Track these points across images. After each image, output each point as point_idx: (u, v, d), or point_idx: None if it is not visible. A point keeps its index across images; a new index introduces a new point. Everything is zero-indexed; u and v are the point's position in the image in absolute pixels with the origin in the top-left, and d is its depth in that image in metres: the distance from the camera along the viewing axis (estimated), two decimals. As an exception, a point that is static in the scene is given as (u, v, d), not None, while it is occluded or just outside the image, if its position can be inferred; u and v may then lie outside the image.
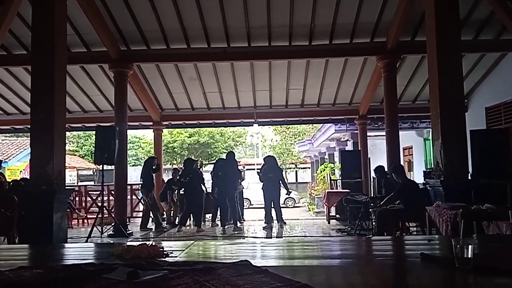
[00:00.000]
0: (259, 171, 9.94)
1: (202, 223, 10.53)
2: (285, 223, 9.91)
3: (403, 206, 6.55)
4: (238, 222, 9.46)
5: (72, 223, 10.83)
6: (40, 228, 5.28)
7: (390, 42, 8.48)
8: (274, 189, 9.55)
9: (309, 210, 16.01)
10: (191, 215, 9.56)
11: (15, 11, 6.85)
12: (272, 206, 9.62)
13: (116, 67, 8.99)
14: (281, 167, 10.72)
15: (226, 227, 9.15)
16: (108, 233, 8.29)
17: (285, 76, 10.47)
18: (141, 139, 30.40)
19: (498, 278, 1.46)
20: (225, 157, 9.90)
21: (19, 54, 8.87)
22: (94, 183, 19.26)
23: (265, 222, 9.54)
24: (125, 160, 9.15)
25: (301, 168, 30.74)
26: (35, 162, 5.52)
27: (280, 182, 9.67)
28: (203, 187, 9.54)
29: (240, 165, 10.88)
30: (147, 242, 1.99)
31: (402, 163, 11.73)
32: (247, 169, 11.15)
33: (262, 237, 8.44)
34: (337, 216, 10.63)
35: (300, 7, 7.93)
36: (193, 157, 24.20)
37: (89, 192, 12.05)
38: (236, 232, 8.90)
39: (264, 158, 10.45)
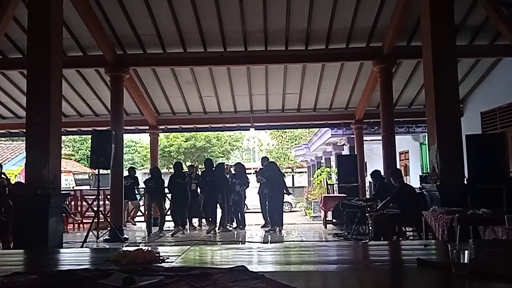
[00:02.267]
0: (262, 177, 9.86)
1: (199, 227, 10.57)
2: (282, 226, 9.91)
3: (400, 210, 6.56)
4: (227, 225, 9.84)
5: (68, 227, 10.77)
6: (35, 233, 5.25)
7: (386, 47, 8.52)
8: (279, 194, 9.59)
9: (306, 215, 16.01)
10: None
11: (11, 15, 6.83)
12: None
13: (112, 71, 8.97)
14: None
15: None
16: (104, 238, 8.25)
17: (282, 80, 10.49)
18: (137, 143, 30.33)
19: (494, 283, 1.46)
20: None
21: (15, 58, 8.84)
22: (90, 187, 19.19)
23: (269, 225, 9.57)
24: (121, 165, 9.12)
25: (298, 173, 30.76)
26: (30, 166, 5.50)
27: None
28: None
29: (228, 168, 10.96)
30: (143, 248, 1.98)
31: (398, 167, 11.75)
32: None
33: (259, 242, 8.43)
34: (334, 220, 10.63)
35: (297, 12, 7.97)
36: (190, 162, 24.24)
37: (85, 197, 12.00)
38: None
39: (265, 163, 10.33)
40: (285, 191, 9.75)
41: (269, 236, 9.06)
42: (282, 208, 9.90)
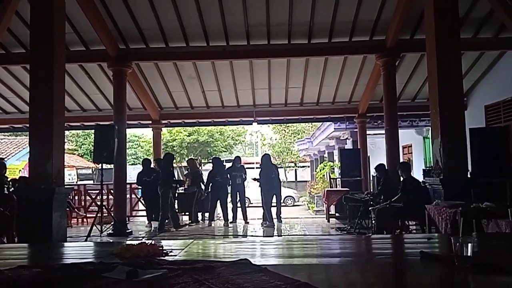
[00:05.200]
0: (258, 177, 9.89)
1: (202, 221, 10.60)
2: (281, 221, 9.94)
3: (403, 204, 6.57)
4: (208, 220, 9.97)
5: (72, 222, 10.83)
6: (40, 227, 5.28)
7: (390, 40, 8.48)
8: (276, 187, 9.59)
9: (309, 209, 16.03)
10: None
11: (14, 10, 6.83)
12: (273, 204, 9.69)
13: (114, 65, 8.97)
14: (277, 164, 10.88)
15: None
16: (108, 232, 8.29)
17: (284, 74, 10.46)
18: (140, 138, 30.41)
19: (498, 276, 1.46)
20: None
21: (17, 53, 8.85)
22: (93, 182, 19.24)
23: (266, 221, 9.57)
24: (124, 159, 9.15)
25: (301, 167, 30.75)
26: (34, 161, 5.52)
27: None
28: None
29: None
30: (147, 241, 1.98)
31: (406, 161, 11.72)
32: (246, 168, 11.08)
33: (262, 236, 8.45)
34: (337, 214, 10.64)
35: (299, 5, 7.93)
36: (192, 156, 24.27)
37: (88, 191, 12.06)
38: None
39: (261, 158, 10.47)
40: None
41: (263, 230, 9.12)
42: (270, 203, 9.85)
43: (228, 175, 9.88)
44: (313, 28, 8.53)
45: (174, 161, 11.52)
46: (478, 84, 10.67)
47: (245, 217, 10.01)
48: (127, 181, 9.83)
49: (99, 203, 8.79)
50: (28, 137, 6.13)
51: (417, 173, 11.25)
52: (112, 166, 9.16)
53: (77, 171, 21.40)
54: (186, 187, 10.40)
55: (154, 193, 9.46)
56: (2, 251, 2.44)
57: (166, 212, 9.00)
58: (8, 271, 1.53)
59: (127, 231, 8.70)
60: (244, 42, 8.82)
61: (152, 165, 10.41)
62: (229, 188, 10.05)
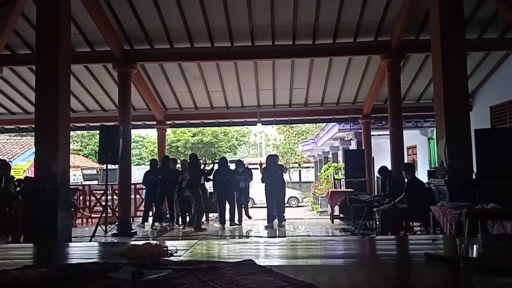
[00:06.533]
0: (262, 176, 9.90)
1: (206, 222, 10.59)
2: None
3: (407, 205, 6.55)
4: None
5: (76, 222, 10.87)
6: (45, 227, 5.30)
7: (394, 41, 8.45)
8: (281, 187, 9.59)
9: (313, 210, 16.01)
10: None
11: (20, 11, 6.87)
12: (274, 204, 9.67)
13: (120, 66, 9.00)
14: (283, 165, 10.84)
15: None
16: (112, 232, 8.31)
17: (289, 75, 10.46)
18: (145, 139, 30.49)
19: (503, 278, 1.46)
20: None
21: (23, 54, 8.90)
22: (98, 182, 19.30)
23: (269, 222, 9.56)
24: (129, 160, 9.18)
25: (305, 168, 30.71)
26: (39, 161, 5.55)
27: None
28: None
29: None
30: (151, 242, 1.99)
31: (410, 162, 11.65)
32: (251, 168, 11.01)
33: (266, 237, 8.45)
34: (341, 215, 10.61)
35: (304, 6, 7.92)
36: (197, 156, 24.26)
37: (93, 192, 12.09)
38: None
39: (266, 158, 10.42)
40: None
41: (267, 232, 9.07)
42: (282, 203, 9.80)
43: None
44: (318, 29, 8.52)
45: (177, 161, 11.52)
46: (483, 85, 10.62)
47: (246, 213, 10.01)
48: (132, 182, 9.85)
49: (103, 203, 8.82)
50: (33, 137, 6.16)
51: (422, 174, 11.21)
52: (117, 166, 9.19)
53: (82, 172, 21.47)
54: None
55: (156, 193, 9.57)
56: (8, 250, 2.46)
57: (201, 210, 9.19)
58: (15, 271, 1.54)
59: (132, 231, 8.73)
60: (248, 43, 8.83)
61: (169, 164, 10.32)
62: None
